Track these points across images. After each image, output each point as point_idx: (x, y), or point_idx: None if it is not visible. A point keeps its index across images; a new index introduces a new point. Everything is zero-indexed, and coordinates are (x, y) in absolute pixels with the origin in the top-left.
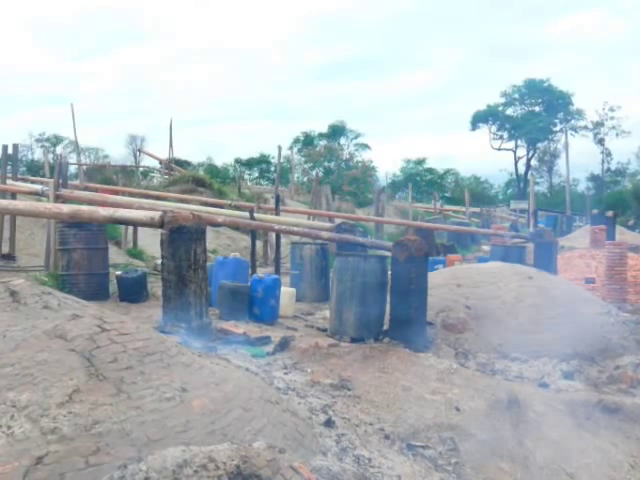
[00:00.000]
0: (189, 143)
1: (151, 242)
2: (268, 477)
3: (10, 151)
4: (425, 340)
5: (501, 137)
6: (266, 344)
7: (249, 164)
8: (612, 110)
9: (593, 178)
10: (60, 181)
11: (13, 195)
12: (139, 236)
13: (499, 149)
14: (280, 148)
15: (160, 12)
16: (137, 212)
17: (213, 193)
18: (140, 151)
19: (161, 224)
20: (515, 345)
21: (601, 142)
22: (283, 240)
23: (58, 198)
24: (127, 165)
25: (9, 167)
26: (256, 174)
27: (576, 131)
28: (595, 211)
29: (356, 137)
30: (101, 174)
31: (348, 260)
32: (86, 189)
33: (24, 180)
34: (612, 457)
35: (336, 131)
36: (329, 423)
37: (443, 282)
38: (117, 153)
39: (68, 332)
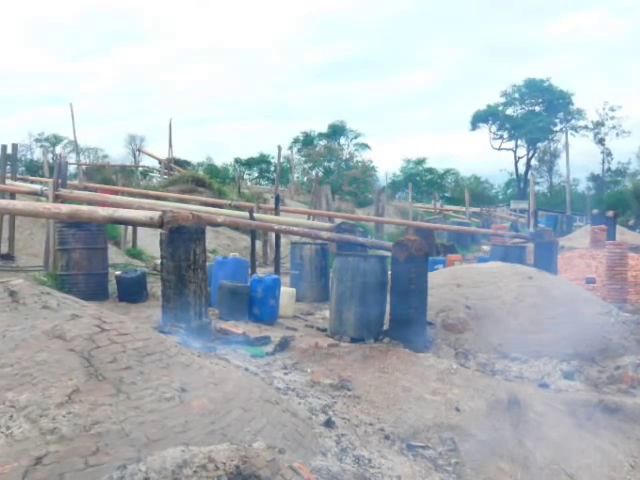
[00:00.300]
0: (189, 143)
1: (150, 242)
2: (268, 477)
3: (9, 151)
4: (425, 340)
5: (501, 137)
6: (266, 344)
7: (249, 164)
8: (612, 110)
9: (593, 178)
10: (59, 181)
11: (12, 195)
12: (138, 236)
13: (499, 149)
14: (280, 148)
15: (160, 12)
16: (136, 212)
17: (213, 193)
18: (139, 151)
19: (160, 224)
20: (515, 345)
21: (601, 142)
22: (283, 240)
23: (57, 198)
24: (126, 165)
25: (8, 167)
26: (256, 174)
27: (576, 131)
28: (595, 211)
29: (356, 137)
30: (100, 174)
31: (348, 260)
32: (85, 189)
33: (23, 180)
34: (612, 457)
35: (336, 131)
36: (329, 423)
37: (443, 282)
38: (116, 153)
39: (67, 332)
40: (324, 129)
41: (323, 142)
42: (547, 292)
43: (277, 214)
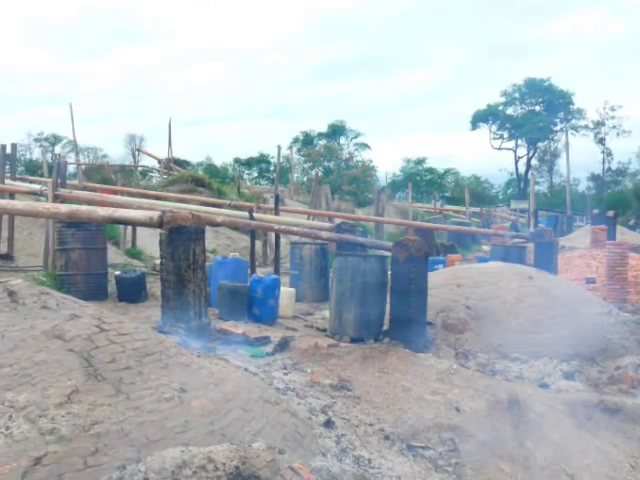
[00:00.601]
0: (188, 143)
1: (150, 242)
2: (267, 478)
3: (9, 151)
4: (425, 340)
5: (501, 137)
6: (265, 344)
7: (248, 164)
8: (613, 110)
9: (594, 178)
10: (59, 181)
11: (11, 195)
12: (138, 236)
13: (499, 149)
14: (279, 148)
15: (160, 12)
16: (136, 212)
17: (212, 193)
18: (139, 151)
19: (160, 224)
20: (515, 345)
21: (602, 142)
22: (282, 240)
23: (57, 198)
24: (126, 165)
25: (7, 167)
26: (255, 174)
27: (577, 131)
28: (596, 211)
29: (356, 137)
30: (100, 174)
31: (348, 260)
32: (85, 189)
33: (22, 180)
34: (613, 458)
35: (336, 130)
36: (329, 424)
37: (443, 282)
38: (116, 153)
39: (66, 332)
40: (324, 129)
41: (323, 142)
42: (547, 292)
43: (277, 214)
